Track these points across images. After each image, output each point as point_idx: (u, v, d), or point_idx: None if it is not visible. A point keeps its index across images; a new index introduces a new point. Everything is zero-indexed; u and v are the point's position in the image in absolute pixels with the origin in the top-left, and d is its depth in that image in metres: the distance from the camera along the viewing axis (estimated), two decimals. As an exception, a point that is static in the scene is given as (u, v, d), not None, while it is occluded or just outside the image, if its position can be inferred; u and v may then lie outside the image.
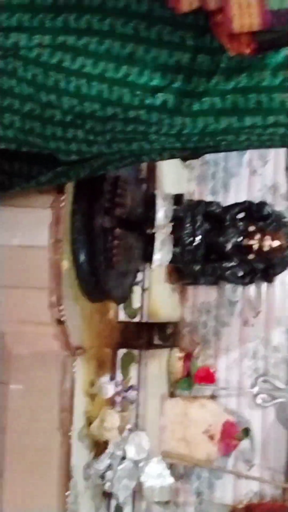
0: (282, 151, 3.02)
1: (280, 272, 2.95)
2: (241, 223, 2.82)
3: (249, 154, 3.12)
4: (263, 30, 1.31)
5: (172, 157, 1.69)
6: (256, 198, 3.04)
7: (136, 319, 2.66)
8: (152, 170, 2.67)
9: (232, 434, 2.92)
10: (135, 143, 1.57)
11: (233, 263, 2.82)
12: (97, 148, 1.61)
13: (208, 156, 3.17)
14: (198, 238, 2.78)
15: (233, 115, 1.44)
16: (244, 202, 2.90)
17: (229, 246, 2.77)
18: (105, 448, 2.41)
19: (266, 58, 1.39)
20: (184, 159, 3.04)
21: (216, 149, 1.60)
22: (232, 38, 1.34)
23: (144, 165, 2.65)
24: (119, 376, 2.59)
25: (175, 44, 1.46)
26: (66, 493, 2.21)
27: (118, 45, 1.47)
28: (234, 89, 1.41)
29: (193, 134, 1.50)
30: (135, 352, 2.62)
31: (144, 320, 2.67)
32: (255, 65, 1.40)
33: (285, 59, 1.38)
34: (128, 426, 2.48)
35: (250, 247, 2.76)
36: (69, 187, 2.16)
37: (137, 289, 2.64)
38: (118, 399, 2.55)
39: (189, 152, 1.64)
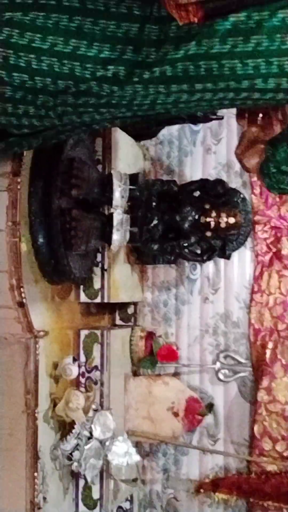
0: (234, 128, 3.03)
1: (237, 249, 3.00)
2: (197, 201, 2.85)
3: (202, 132, 3.14)
4: None
5: (123, 124, 1.70)
6: (211, 176, 3.06)
7: (97, 300, 2.67)
8: (107, 151, 2.67)
9: (196, 410, 2.94)
10: (86, 115, 1.57)
11: (191, 241, 2.85)
12: (48, 121, 1.61)
13: (163, 136, 3.18)
14: (155, 217, 2.80)
15: (183, 82, 1.45)
16: (200, 180, 2.93)
17: (186, 224, 2.80)
18: (71, 428, 2.42)
19: (214, 25, 1.39)
20: (139, 139, 3.05)
21: (166, 115, 1.61)
22: (180, 7, 1.35)
23: (99, 146, 2.65)
24: (82, 357, 2.60)
25: (122, 14, 1.46)
26: (35, 475, 2.22)
27: (66, 19, 1.47)
28: (184, 57, 1.41)
29: (144, 103, 1.51)
30: (98, 332, 2.63)
31: (105, 300, 2.68)
32: (204, 32, 1.40)
33: (233, 26, 1.38)
34: (93, 406, 2.49)
35: (207, 224, 2.80)
36: (25, 170, 2.16)
37: (97, 270, 2.65)
38: (82, 379, 2.57)
39: (140, 119, 1.64)
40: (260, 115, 1.71)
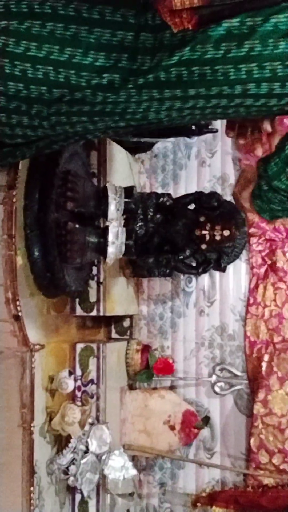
0: (229, 141, 3.05)
1: (232, 261, 3.00)
2: (192, 214, 2.85)
3: (197, 145, 3.15)
4: (203, 5, 1.34)
5: (116, 134, 1.71)
6: (205, 189, 3.07)
7: (93, 313, 2.66)
8: (102, 164, 2.67)
9: (192, 423, 2.94)
10: (79, 124, 1.58)
11: (186, 254, 2.85)
12: (42, 131, 1.61)
13: (157, 150, 3.19)
14: (150, 230, 2.80)
15: (177, 87, 1.45)
16: (194, 193, 2.94)
17: (181, 237, 2.80)
18: (67, 443, 2.41)
19: (208, 31, 1.40)
20: (134, 152, 3.06)
21: (159, 125, 1.61)
22: (174, 14, 1.36)
23: (94, 159, 2.66)
24: (78, 370, 2.60)
25: (117, 23, 1.47)
26: (31, 489, 2.21)
27: (61, 27, 1.48)
28: (178, 62, 1.42)
29: (137, 111, 1.51)
30: (93, 346, 2.63)
31: (101, 314, 2.67)
32: (197, 38, 1.41)
33: (227, 31, 1.39)
34: (89, 420, 2.48)
35: (202, 237, 2.80)
36: (20, 183, 2.16)
37: (92, 283, 2.64)
38: (78, 393, 2.56)
39: (133, 130, 1.64)
40: (249, 129, 1.71)
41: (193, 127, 2.79)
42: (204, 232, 2.80)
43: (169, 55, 1.42)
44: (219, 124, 2.86)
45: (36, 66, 1.50)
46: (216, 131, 2.92)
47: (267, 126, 1.66)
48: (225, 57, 1.40)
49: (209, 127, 2.86)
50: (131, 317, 3.12)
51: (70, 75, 1.49)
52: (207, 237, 2.80)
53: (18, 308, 2.15)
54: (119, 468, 2.53)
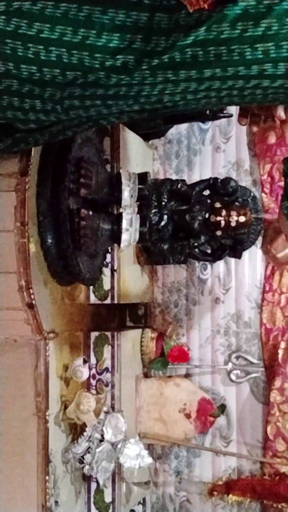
0: (244, 126, 3.00)
1: (248, 248, 2.96)
2: (207, 200, 2.82)
3: (211, 131, 3.11)
4: None
5: (131, 119, 1.67)
6: (220, 174, 3.04)
7: (107, 301, 2.64)
8: (115, 150, 2.65)
9: (208, 412, 2.92)
10: (92, 109, 1.55)
11: (201, 241, 2.82)
12: (55, 116, 1.59)
13: (171, 135, 3.16)
14: (165, 217, 2.77)
15: (192, 68, 1.43)
16: (209, 179, 2.90)
17: (196, 223, 2.77)
18: (83, 431, 2.40)
19: (224, 11, 1.37)
20: (147, 138, 3.03)
21: (174, 110, 1.58)
22: None
23: (107, 145, 2.63)
24: (93, 359, 2.58)
25: (131, 3, 1.44)
26: (46, 478, 2.20)
27: (75, 8, 1.45)
28: (193, 42, 1.39)
29: (152, 94, 1.48)
30: (108, 334, 2.61)
31: (115, 301, 2.65)
32: (213, 18, 1.38)
33: (243, 10, 1.37)
34: (104, 409, 2.47)
35: (217, 223, 2.77)
36: (33, 170, 2.13)
37: (106, 271, 2.62)
38: (93, 381, 2.55)
39: (147, 114, 1.61)
40: (263, 117, 1.68)
41: (208, 111, 2.75)
42: (219, 218, 2.76)
43: (184, 36, 1.40)
44: (234, 109, 2.82)
45: (49, 48, 1.47)
46: (231, 115, 2.88)
47: (280, 113, 1.64)
48: (242, 36, 1.38)
49: (224, 112, 2.82)
50: (145, 305, 3.10)
51: (84, 57, 1.47)
52: (222, 224, 2.76)
53: (32, 296, 2.13)
54: (135, 456, 2.52)
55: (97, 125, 1.71)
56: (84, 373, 2.37)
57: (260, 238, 2.97)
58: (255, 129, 1.72)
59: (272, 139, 1.70)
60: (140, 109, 1.55)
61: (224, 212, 2.77)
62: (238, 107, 1.72)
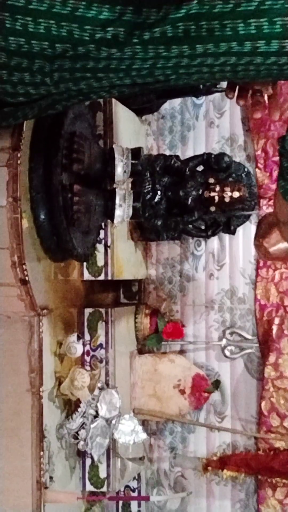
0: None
1: (242, 223, 2.96)
2: (201, 176, 2.81)
3: (205, 106, 3.09)
4: None
5: (121, 93, 1.64)
6: (214, 150, 3.02)
7: (101, 278, 2.63)
8: (108, 125, 2.62)
9: (202, 387, 2.93)
10: (83, 82, 1.53)
11: (195, 217, 2.81)
12: (44, 89, 1.57)
13: (165, 110, 3.13)
14: (158, 193, 2.76)
15: (184, 43, 1.40)
16: (203, 154, 2.89)
17: (190, 199, 2.76)
18: (77, 407, 2.40)
19: None
20: (140, 113, 3.01)
21: (165, 84, 1.56)
22: None
23: (100, 121, 2.61)
24: (87, 335, 2.58)
25: None
26: (41, 454, 2.20)
27: None
28: (185, 16, 1.36)
29: (143, 68, 1.46)
30: (102, 310, 2.60)
31: (109, 278, 2.64)
32: None
33: None
34: (99, 385, 2.47)
35: (211, 199, 2.76)
36: (25, 145, 2.11)
37: (100, 247, 2.61)
38: (87, 358, 2.55)
39: (138, 88, 1.59)
40: (250, 91, 1.66)
41: (201, 86, 2.73)
42: (213, 194, 2.75)
43: (176, 8, 1.36)
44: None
45: (38, 20, 1.44)
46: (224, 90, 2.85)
47: (268, 88, 1.62)
48: (234, 11, 1.34)
49: (217, 86, 2.79)
50: (139, 281, 3.10)
51: (73, 29, 1.43)
52: (216, 199, 2.76)
53: (25, 272, 2.11)
54: (129, 432, 2.52)
55: (87, 99, 1.68)
56: (78, 349, 2.36)
57: (254, 214, 2.96)
58: (241, 102, 1.70)
59: (258, 114, 1.68)
60: (131, 83, 1.53)
61: (218, 188, 2.76)
62: None
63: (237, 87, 1.68)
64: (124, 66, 1.46)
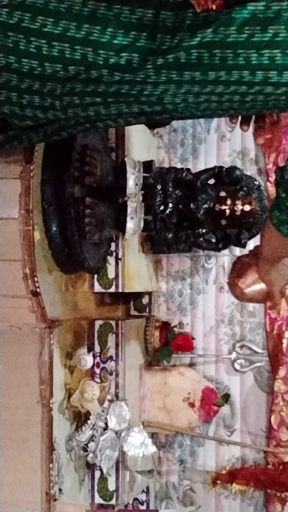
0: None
1: (252, 237, 2.95)
2: (212, 189, 2.81)
3: (216, 119, 3.10)
4: None
5: (127, 123, 1.66)
6: (225, 163, 3.03)
7: (112, 290, 2.64)
8: (120, 138, 2.63)
9: (212, 401, 2.92)
10: (91, 108, 1.54)
11: (205, 230, 2.81)
12: (52, 113, 1.57)
13: (176, 124, 3.15)
14: (169, 206, 2.76)
15: (197, 70, 1.41)
16: (214, 167, 2.89)
17: (201, 212, 2.76)
18: (87, 419, 2.40)
19: (232, 13, 1.36)
20: (152, 126, 3.02)
21: (172, 115, 1.57)
22: None
23: (112, 134, 2.62)
24: (97, 347, 2.58)
25: (137, 0, 1.43)
26: (50, 466, 2.20)
27: (79, 3, 1.44)
28: (199, 44, 1.38)
29: (153, 94, 1.47)
30: (112, 323, 2.60)
31: (120, 290, 2.65)
32: (221, 20, 1.37)
33: (251, 14, 1.35)
34: (108, 397, 2.47)
35: (222, 212, 2.75)
36: (38, 157, 2.13)
37: (111, 260, 2.62)
38: (97, 370, 2.55)
39: (144, 119, 1.60)
40: (253, 117, 1.69)
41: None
42: (224, 207, 2.75)
43: (190, 36, 1.38)
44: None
45: (52, 43, 1.45)
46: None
47: (272, 115, 1.63)
48: (248, 41, 1.36)
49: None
50: (150, 294, 3.10)
51: (87, 53, 1.45)
52: (227, 213, 2.75)
53: (36, 284, 2.12)
54: (139, 445, 2.52)
55: (93, 127, 1.69)
56: (88, 361, 2.37)
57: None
58: (245, 128, 1.71)
59: (261, 139, 1.70)
60: (139, 111, 1.54)
61: (229, 201, 2.75)
62: None
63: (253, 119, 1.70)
64: (135, 91, 1.47)
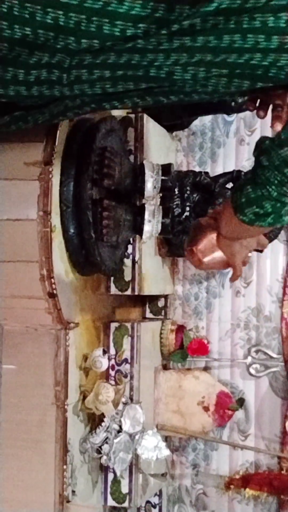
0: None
1: (270, 241, 2.94)
2: (230, 193, 2.80)
3: (236, 123, 3.09)
4: None
5: (134, 105, 1.63)
6: (244, 167, 3.02)
7: (128, 292, 2.64)
8: (139, 141, 2.63)
9: (227, 405, 2.91)
10: (98, 84, 1.51)
11: (223, 233, 2.80)
12: (58, 90, 1.55)
13: (195, 127, 3.14)
14: (187, 209, 2.76)
15: (210, 34, 1.37)
16: (232, 171, 2.88)
17: (218, 216, 2.75)
18: (101, 422, 2.40)
19: None
20: (171, 129, 3.02)
21: (179, 97, 1.55)
22: None
23: (131, 136, 2.62)
24: (112, 349, 2.58)
25: None
26: (64, 467, 2.20)
27: None
28: (216, 10, 1.34)
29: (164, 65, 1.44)
30: (128, 325, 2.60)
31: (136, 293, 2.65)
32: None
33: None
34: (123, 399, 2.47)
35: (239, 216, 2.74)
36: (57, 159, 2.13)
37: (128, 262, 2.62)
38: (112, 372, 2.55)
39: (151, 100, 1.58)
40: (271, 105, 1.67)
41: (233, 103, 2.73)
42: (242, 211, 2.74)
43: (208, 2, 1.34)
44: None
45: (69, 14, 1.40)
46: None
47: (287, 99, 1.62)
48: (267, 5, 1.33)
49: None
50: (166, 296, 3.09)
51: (103, 24, 1.40)
52: (245, 217, 2.74)
53: (53, 285, 2.13)
54: (152, 448, 2.51)
55: (99, 108, 1.66)
56: (104, 363, 2.37)
57: (282, 232, 2.95)
58: (262, 114, 1.70)
59: (278, 126, 1.67)
60: (146, 89, 1.51)
61: (246, 205, 2.74)
62: None
63: (258, 101, 1.68)
64: (145, 62, 1.45)
